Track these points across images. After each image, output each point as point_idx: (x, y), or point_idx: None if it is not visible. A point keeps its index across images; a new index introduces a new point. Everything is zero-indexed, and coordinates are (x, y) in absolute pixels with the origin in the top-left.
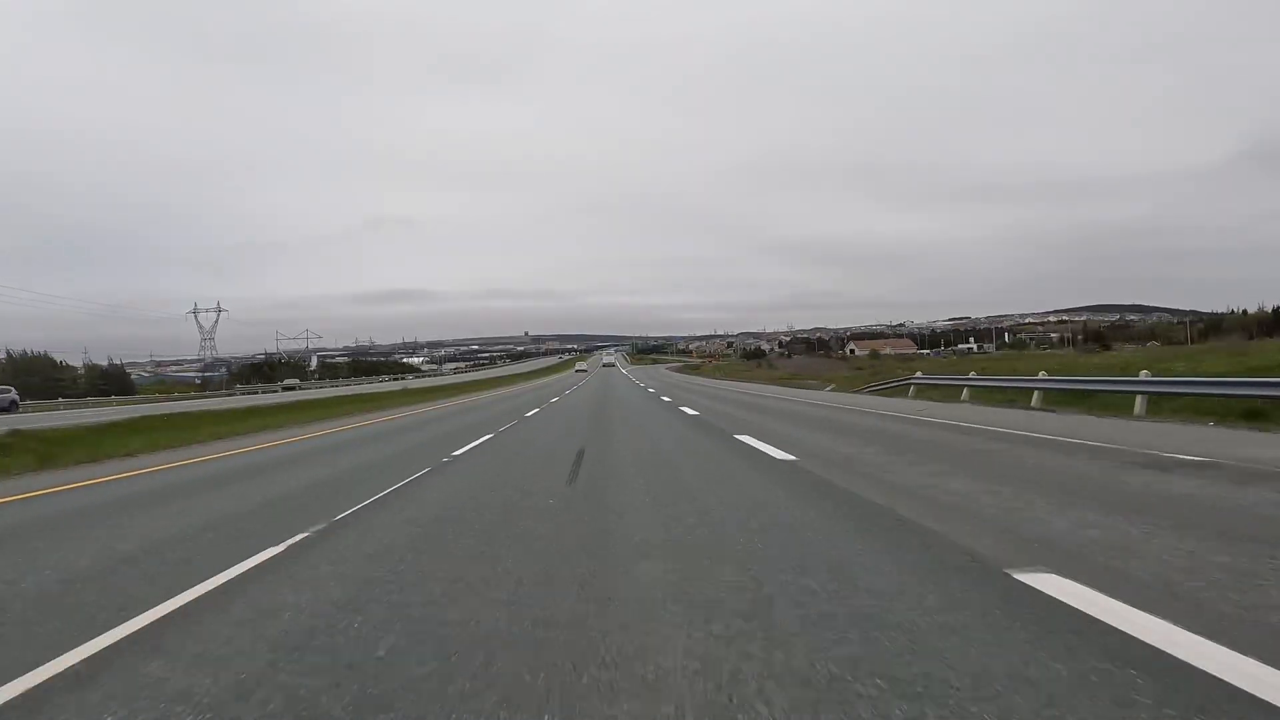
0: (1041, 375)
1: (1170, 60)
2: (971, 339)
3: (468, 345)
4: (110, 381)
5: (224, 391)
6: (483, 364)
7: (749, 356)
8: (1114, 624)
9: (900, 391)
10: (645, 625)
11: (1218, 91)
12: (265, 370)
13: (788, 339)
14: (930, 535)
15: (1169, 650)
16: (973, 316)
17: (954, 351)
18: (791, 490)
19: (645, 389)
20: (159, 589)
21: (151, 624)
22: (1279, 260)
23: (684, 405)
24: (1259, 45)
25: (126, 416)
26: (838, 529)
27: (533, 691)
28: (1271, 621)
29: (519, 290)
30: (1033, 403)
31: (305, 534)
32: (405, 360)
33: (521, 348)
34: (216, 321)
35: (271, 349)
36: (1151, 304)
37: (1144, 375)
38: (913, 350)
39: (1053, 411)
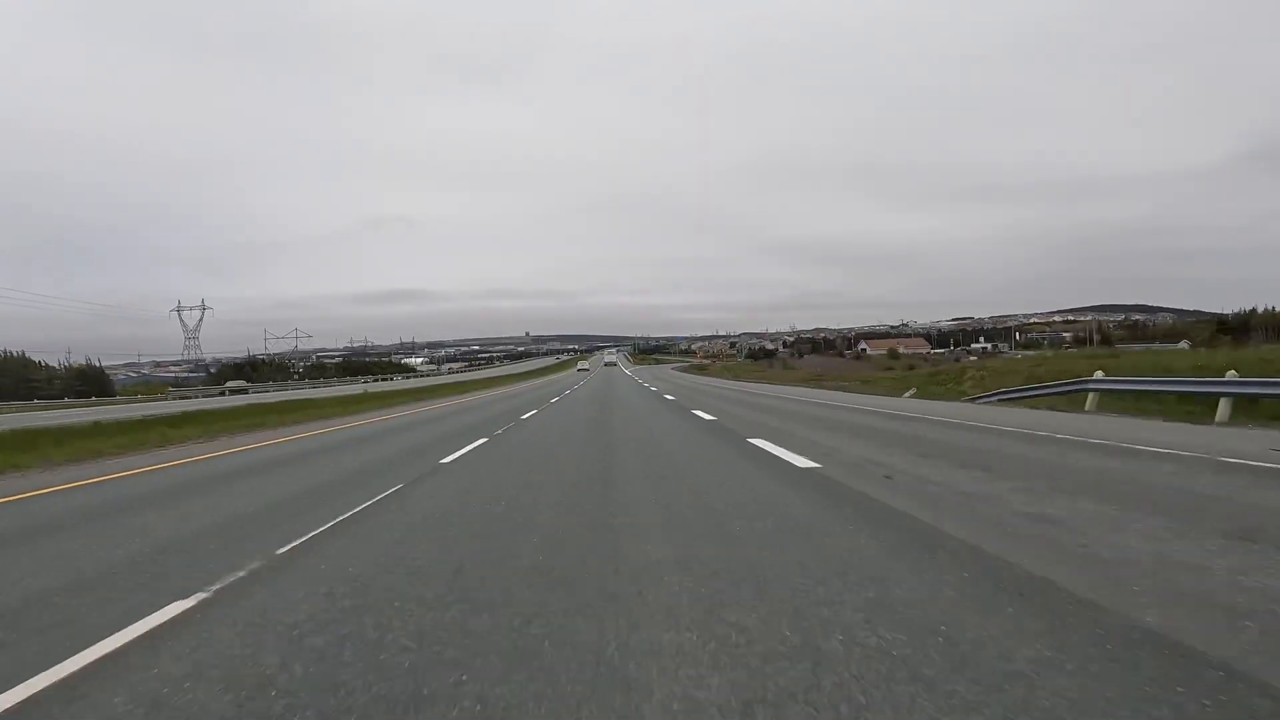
0: (1230, 374)
1: (1170, 60)
2: (981, 338)
3: (468, 345)
4: (88, 382)
5: (158, 396)
6: (481, 364)
7: (755, 356)
8: None
9: (1051, 401)
10: None
11: (1218, 91)
12: (248, 370)
13: (792, 339)
14: None
15: None
16: (976, 316)
17: (967, 352)
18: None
19: (659, 392)
20: None
21: None
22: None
23: (698, 409)
24: (1259, 45)
25: None
26: None
27: None
28: None
29: (519, 290)
30: (1218, 417)
31: None
32: (403, 360)
33: (522, 348)
34: (201, 320)
35: (266, 349)
36: (1154, 304)
37: None
38: (927, 349)
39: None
